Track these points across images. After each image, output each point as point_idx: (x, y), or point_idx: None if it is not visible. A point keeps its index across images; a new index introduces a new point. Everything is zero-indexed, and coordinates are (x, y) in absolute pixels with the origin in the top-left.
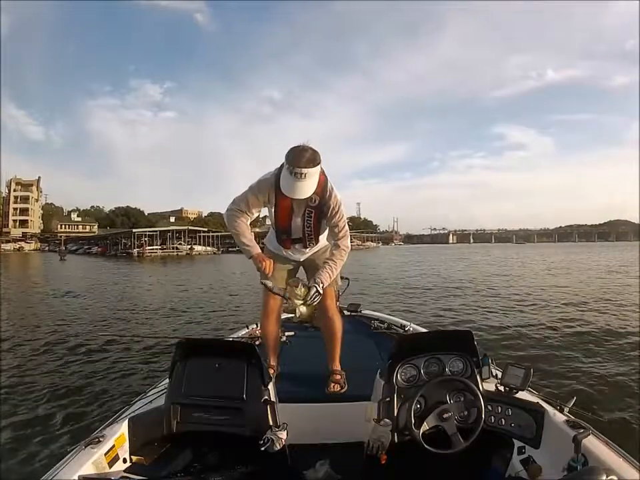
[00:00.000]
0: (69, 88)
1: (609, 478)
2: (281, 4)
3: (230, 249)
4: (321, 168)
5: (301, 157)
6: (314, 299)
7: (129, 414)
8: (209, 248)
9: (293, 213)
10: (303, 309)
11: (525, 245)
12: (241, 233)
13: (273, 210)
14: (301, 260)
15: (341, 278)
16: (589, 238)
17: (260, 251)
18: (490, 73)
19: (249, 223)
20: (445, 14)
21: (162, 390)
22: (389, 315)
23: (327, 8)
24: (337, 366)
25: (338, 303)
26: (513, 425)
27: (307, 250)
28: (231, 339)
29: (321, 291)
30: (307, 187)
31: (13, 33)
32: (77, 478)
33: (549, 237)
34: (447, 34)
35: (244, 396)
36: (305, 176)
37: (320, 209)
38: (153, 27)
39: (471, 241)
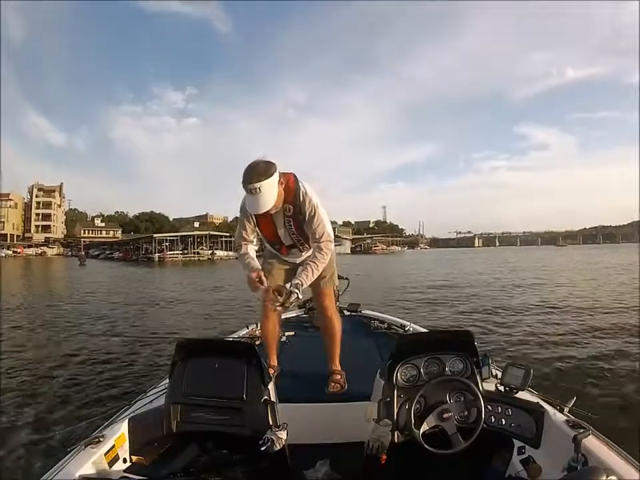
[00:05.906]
0: (90, 96)
1: (608, 478)
2: (302, 5)
3: None
4: (294, 176)
5: (251, 173)
6: (291, 301)
7: (129, 414)
8: (230, 253)
9: (275, 225)
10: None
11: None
12: (242, 263)
13: (257, 228)
14: (298, 262)
15: (340, 278)
16: (613, 239)
17: (254, 271)
18: (511, 72)
19: (255, 245)
20: (465, 12)
21: (162, 390)
22: (389, 315)
23: (349, 7)
24: (337, 366)
25: (338, 303)
26: (512, 425)
27: (304, 253)
28: (231, 339)
29: (300, 293)
30: (265, 200)
31: (30, 39)
32: (77, 478)
33: (573, 239)
34: (469, 32)
35: (244, 396)
36: (259, 189)
37: (297, 217)
38: (174, 35)
39: (497, 244)
